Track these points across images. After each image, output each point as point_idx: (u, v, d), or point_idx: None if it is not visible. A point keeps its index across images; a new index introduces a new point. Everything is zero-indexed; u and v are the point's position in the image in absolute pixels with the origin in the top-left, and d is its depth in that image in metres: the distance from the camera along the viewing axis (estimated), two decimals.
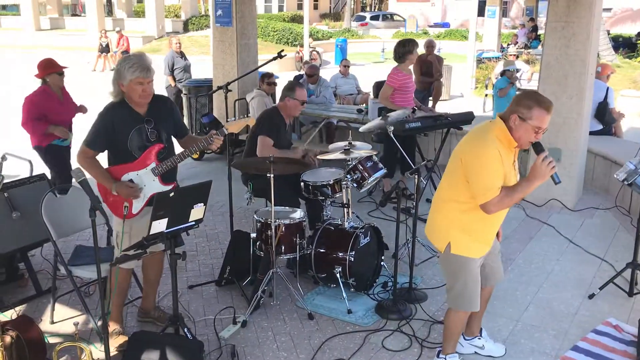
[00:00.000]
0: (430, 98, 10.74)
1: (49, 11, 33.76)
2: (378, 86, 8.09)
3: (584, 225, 5.94)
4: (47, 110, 5.39)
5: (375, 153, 4.72)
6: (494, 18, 20.29)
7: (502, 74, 10.14)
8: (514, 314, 4.20)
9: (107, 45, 20.83)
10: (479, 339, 3.72)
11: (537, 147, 3.00)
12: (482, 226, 3.18)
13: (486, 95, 12.88)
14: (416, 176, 4.27)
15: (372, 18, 38.26)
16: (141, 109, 3.53)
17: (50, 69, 5.52)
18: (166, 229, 3.16)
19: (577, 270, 4.92)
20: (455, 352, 3.52)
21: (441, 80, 11.13)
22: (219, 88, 4.46)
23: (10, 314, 4.08)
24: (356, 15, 39.79)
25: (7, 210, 4.28)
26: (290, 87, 4.88)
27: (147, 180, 3.53)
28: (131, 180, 3.51)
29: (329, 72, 11.24)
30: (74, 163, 3.63)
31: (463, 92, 15.29)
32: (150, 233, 3.09)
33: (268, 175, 4.06)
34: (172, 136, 3.72)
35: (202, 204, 3.31)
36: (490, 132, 3.04)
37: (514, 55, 13.08)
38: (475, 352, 3.71)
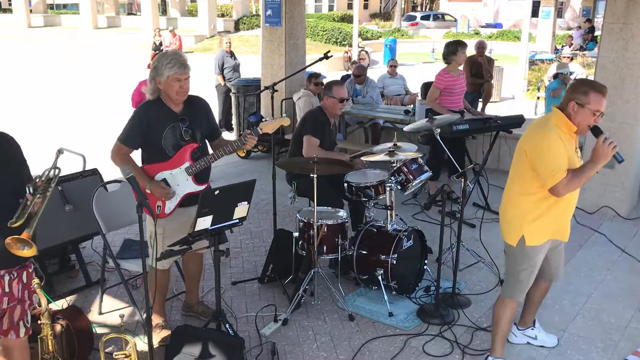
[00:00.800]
0: (480, 100, 10.55)
1: (106, 10, 34.81)
2: (426, 87, 8.01)
3: (638, 235, 5.72)
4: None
5: (420, 155, 4.67)
6: (548, 19, 19.76)
7: (555, 76, 9.87)
8: (560, 323, 4.09)
9: (161, 44, 21.32)
10: (532, 329, 3.78)
11: (596, 131, 3.10)
12: (554, 215, 3.26)
13: (538, 97, 12.56)
14: (462, 180, 4.20)
15: (422, 18, 37.89)
16: (176, 108, 3.53)
17: None
18: (211, 226, 3.21)
19: (629, 281, 4.74)
20: (504, 358, 3.53)
21: (492, 82, 10.92)
22: (266, 88, 4.50)
23: (61, 304, 4.22)
24: (406, 15, 39.48)
25: (61, 203, 4.44)
26: (328, 86, 4.89)
27: (181, 180, 3.53)
28: (165, 180, 3.51)
29: (377, 72, 11.19)
30: None
31: (514, 95, 14.96)
32: (195, 229, 3.14)
33: (311, 175, 4.07)
34: (205, 137, 3.71)
35: (246, 202, 3.35)
36: (550, 121, 3.17)
37: (569, 57, 12.72)
38: (528, 343, 3.74)
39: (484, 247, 5.00)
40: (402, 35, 31.40)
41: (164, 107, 3.51)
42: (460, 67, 6.39)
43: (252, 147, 5.62)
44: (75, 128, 10.62)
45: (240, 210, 3.34)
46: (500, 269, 4.78)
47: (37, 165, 2.95)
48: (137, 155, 3.62)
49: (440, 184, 4.67)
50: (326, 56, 4.59)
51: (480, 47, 10.30)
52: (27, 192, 2.62)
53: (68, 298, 4.38)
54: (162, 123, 3.48)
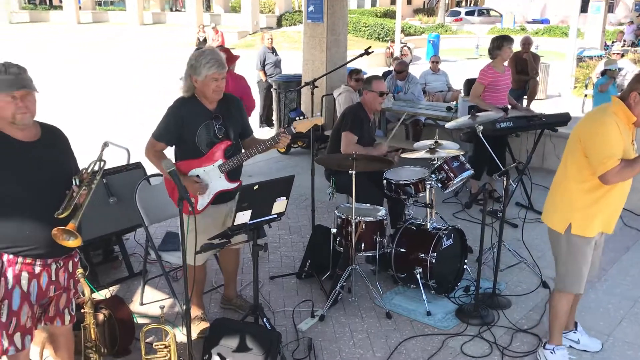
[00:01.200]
0: (525, 97, 10.32)
1: (152, 6, 35.50)
2: (469, 83, 7.89)
3: None
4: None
5: (462, 153, 4.60)
6: (598, 14, 19.16)
7: (603, 73, 9.57)
8: (605, 328, 3.97)
9: (205, 40, 21.62)
10: (575, 332, 3.70)
11: None
12: (604, 205, 3.22)
13: (585, 95, 12.19)
14: (505, 178, 4.11)
15: (467, 13, 37.28)
16: (210, 105, 3.54)
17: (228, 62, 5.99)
18: (249, 221, 3.24)
19: None
20: (563, 345, 3.53)
21: (537, 78, 10.67)
22: (306, 84, 4.51)
23: (104, 294, 4.33)
24: (451, 11, 38.92)
25: (105, 195, 4.55)
26: (367, 81, 4.87)
27: (214, 177, 3.55)
28: (198, 177, 3.53)
29: (419, 69, 11.07)
30: None
31: (561, 92, 14.57)
32: (234, 223, 3.18)
33: (350, 171, 4.06)
34: (238, 135, 3.71)
35: (285, 197, 3.36)
36: (608, 109, 3.14)
37: (619, 53, 12.28)
38: (570, 346, 3.66)
39: (526, 247, 4.89)
40: (446, 31, 30.98)
41: (199, 104, 3.52)
42: (506, 63, 6.26)
43: (291, 144, 5.68)
44: (120, 123, 10.87)
45: (279, 205, 3.35)
46: (543, 270, 4.68)
47: (84, 159, 3.02)
48: (169, 152, 3.66)
49: (482, 183, 4.59)
50: (367, 52, 4.57)
51: (526, 43, 10.07)
52: (74, 184, 2.69)
53: (111, 288, 4.48)
54: (197, 120, 3.50)
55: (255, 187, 3.18)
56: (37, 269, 2.68)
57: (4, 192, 2.52)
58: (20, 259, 2.62)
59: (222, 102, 3.58)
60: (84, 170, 2.75)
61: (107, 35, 29.10)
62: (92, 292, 4.08)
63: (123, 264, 4.76)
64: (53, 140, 2.73)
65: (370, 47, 4.75)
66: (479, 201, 5.63)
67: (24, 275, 2.64)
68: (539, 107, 11.02)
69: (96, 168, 2.76)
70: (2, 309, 2.61)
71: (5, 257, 2.60)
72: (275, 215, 3.38)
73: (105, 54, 23.37)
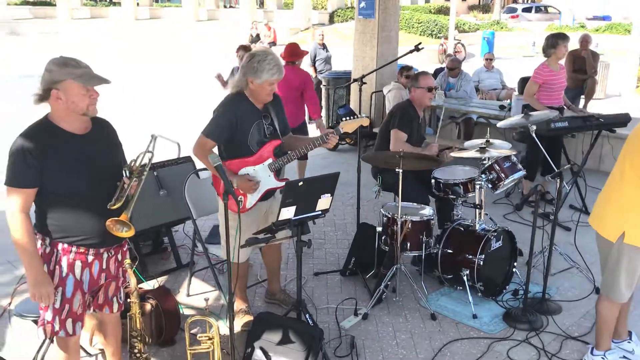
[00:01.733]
0: (583, 96, 9.97)
1: (207, 3, 36.08)
2: (523, 82, 7.68)
3: None
4: None
5: (514, 153, 4.47)
6: None
7: None
8: None
9: (257, 36, 21.84)
10: (629, 342, 3.54)
11: None
12: None
13: None
14: (558, 180, 3.98)
15: (524, 10, 36.31)
16: (259, 104, 3.56)
17: (294, 57, 6.26)
18: (294, 217, 3.24)
19: None
20: (613, 349, 3.41)
21: (595, 77, 10.29)
22: (354, 81, 4.47)
23: (152, 284, 4.43)
24: (507, 7, 38.00)
25: (156, 187, 4.65)
26: (414, 77, 4.78)
27: (263, 176, 3.57)
28: (248, 175, 3.55)
29: (473, 66, 10.85)
30: None
31: (622, 92, 14.01)
32: (279, 219, 3.19)
33: (397, 170, 4.01)
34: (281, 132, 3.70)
35: (330, 194, 3.34)
36: None
37: None
38: (624, 357, 3.49)
39: (578, 251, 4.73)
40: (502, 28, 30.26)
41: (249, 103, 3.53)
42: (562, 62, 6.06)
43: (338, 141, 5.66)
44: (172, 117, 11.10)
45: (324, 202, 3.34)
46: (596, 276, 4.50)
47: (135, 152, 3.09)
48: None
49: (535, 184, 4.46)
50: (417, 48, 4.49)
51: (584, 40, 9.72)
52: (124, 175, 2.75)
53: (159, 279, 4.58)
54: (249, 120, 3.51)
55: (300, 184, 3.18)
56: (90, 258, 2.76)
57: (59, 183, 2.60)
58: (74, 248, 2.70)
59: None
60: (133, 162, 2.80)
61: (163, 31, 29.75)
62: (140, 282, 4.20)
63: (172, 255, 4.86)
64: (103, 133, 2.80)
65: (420, 43, 4.67)
66: (531, 203, 5.49)
67: (78, 264, 2.72)
68: (597, 107, 10.64)
69: (145, 160, 2.81)
70: (56, 295, 2.69)
71: (60, 246, 2.69)
72: (320, 212, 3.37)
73: (160, 50, 23.92)
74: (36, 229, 2.69)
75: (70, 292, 2.72)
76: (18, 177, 2.53)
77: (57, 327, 2.72)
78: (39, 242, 2.70)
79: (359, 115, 3.59)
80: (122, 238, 2.83)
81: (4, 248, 5.12)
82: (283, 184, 3.57)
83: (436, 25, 25.94)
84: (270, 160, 3.56)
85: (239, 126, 3.49)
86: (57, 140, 2.59)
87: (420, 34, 25.18)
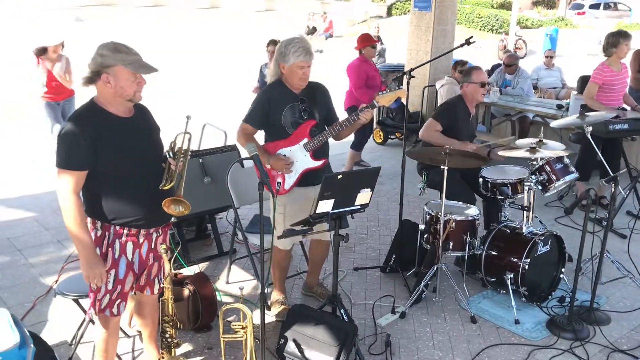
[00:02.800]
0: None
1: None
2: (583, 80, 7.34)
3: None
4: (368, 75, 6.51)
5: (567, 154, 4.28)
6: None
7: None
8: None
9: (314, 28, 21.84)
10: None
11: None
12: None
13: None
14: (613, 184, 3.78)
15: (591, 6, 34.83)
16: (296, 90, 3.60)
17: (366, 42, 6.61)
18: (332, 210, 3.20)
19: None
20: None
21: None
22: (403, 74, 4.36)
23: (194, 269, 4.48)
24: (573, 3, 36.57)
25: (201, 174, 4.70)
26: (466, 72, 4.65)
27: (299, 156, 3.60)
28: (284, 155, 3.60)
29: (534, 64, 10.48)
30: None
31: None
32: (316, 211, 3.15)
33: (442, 167, 3.90)
34: (324, 120, 3.70)
35: (369, 189, 3.28)
36: None
37: None
38: None
39: (632, 261, 4.50)
40: (566, 24, 29.20)
41: (285, 88, 3.59)
42: (628, 61, 5.76)
43: (389, 135, 5.57)
44: (222, 106, 11.23)
45: (363, 196, 3.28)
46: None
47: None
48: (260, 135, 3.72)
49: (589, 187, 4.25)
50: (468, 42, 4.34)
51: None
52: (168, 157, 2.83)
53: (201, 265, 4.63)
54: (282, 102, 3.58)
55: (339, 177, 3.14)
56: (141, 239, 2.83)
57: (109, 165, 2.66)
58: (125, 230, 2.76)
59: (307, 88, 3.63)
60: (173, 144, 2.87)
61: (221, 19, 30.14)
62: (181, 267, 4.26)
63: (214, 242, 4.91)
64: (144, 116, 2.88)
65: (472, 37, 4.50)
66: (582, 207, 5.26)
67: (129, 245, 2.79)
68: None
69: (185, 141, 2.87)
70: (109, 277, 2.76)
71: (112, 229, 2.75)
72: (359, 207, 3.32)
73: (217, 39, 24.23)
74: (87, 213, 2.74)
75: (123, 273, 2.79)
76: (69, 160, 2.58)
77: (103, 305, 2.80)
78: (90, 226, 2.76)
79: (396, 88, 3.53)
80: (168, 218, 2.92)
81: (54, 227, 5.34)
82: (320, 163, 3.58)
83: (497, 20, 25.27)
84: (305, 140, 3.57)
85: (271, 109, 3.57)
86: (105, 122, 2.65)
87: (480, 29, 24.60)
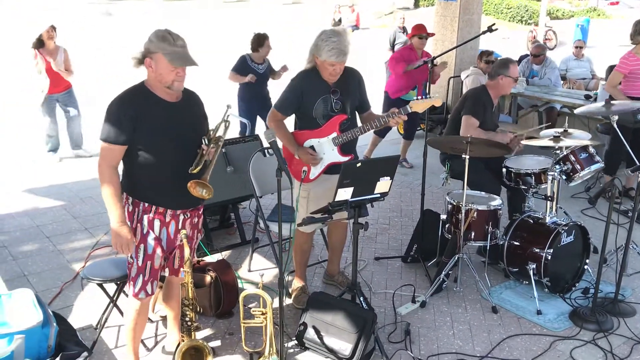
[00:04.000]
0: None
1: None
2: (611, 70, 7.19)
3: None
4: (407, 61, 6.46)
5: (592, 144, 4.21)
6: None
7: None
8: None
9: (340, 20, 21.78)
10: None
11: None
12: None
13: None
14: (639, 174, 3.71)
15: None
16: (329, 80, 3.57)
17: (414, 32, 6.52)
18: (351, 198, 3.21)
19: None
20: None
21: None
22: (425, 62, 4.34)
23: (216, 257, 4.54)
24: None
25: (224, 164, 4.75)
26: (504, 64, 4.54)
27: (327, 149, 3.60)
28: (312, 147, 3.61)
29: (564, 55, 10.29)
30: None
31: None
32: (335, 200, 3.16)
33: (463, 156, 3.88)
34: (355, 109, 3.71)
35: (389, 177, 3.28)
36: None
37: None
38: None
39: None
40: (598, 15, 28.53)
41: (319, 77, 3.57)
42: None
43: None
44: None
45: (383, 185, 3.28)
46: None
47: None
48: (290, 121, 3.74)
49: (613, 177, 4.19)
50: (490, 29, 4.28)
51: None
52: (203, 143, 2.90)
53: (223, 253, 4.69)
54: (315, 94, 3.56)
55: (358, 165, 3.14)
56: (168, 218, 2.91)
57: (148, 145, 2.76)
58: (153, 208, 2.85)
59: (342, 76, 3.59)
60: (212, 132, 2.94)
61: (248, 14, 30.26)
62: (204, 255, 4.33)
63: (237, 231, 4.96)
64: (191, 103, 2.95)
65: (494, 24, 4.44)
66: (608, 197, 5.17)
67: (156, 222, 2.88)
68: None
69: (222, 129, 2.94)
70: (139, 252, 2.86)
71: (141, 205, 2.85)
72: (378, 195, 3.32)
73: (243, 33, 24.32)
74: (122, 187, 2.86)
75: (152, 248, 2.87)
76: (111, 134, 2.70)
77: (137, 288, 2.90)
78: (124, 200, 2.88)
79: (432, 96, 3.50)
80: (198, 202, 3.00)
81: (81, 216, 5.46)
82: (348, 158, 3.58)
83: (527, 11, 24.83)
84: (334, 134, 3.57)
85: (304, 99, 3.57)
86: (150, 104, 2.75)
87: (509, 20, 24.22)
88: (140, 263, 2.88)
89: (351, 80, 3.66)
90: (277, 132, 3.56)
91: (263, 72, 6.62)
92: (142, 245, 2.87)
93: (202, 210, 3.15)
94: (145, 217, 2.85)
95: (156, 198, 2.85)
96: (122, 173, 2.89)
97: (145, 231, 2.86)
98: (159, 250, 2.90)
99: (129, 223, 2.84)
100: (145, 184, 2.83)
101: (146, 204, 2.85)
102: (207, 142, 2.89)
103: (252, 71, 6.50)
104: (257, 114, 6.63)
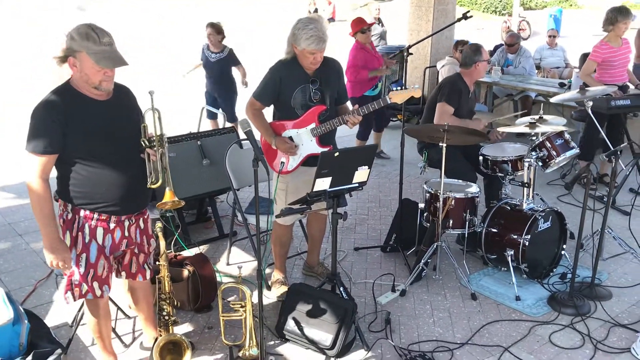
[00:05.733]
0: None
1: None
2: (584, 58, 7.26)
3: None
4: (365, 63, 6.29)
5: (567, 130, 4.24)
6: None
7: None
8: None
9: (316, 11, 21.69)
10: None
11: None
12: None
13: None
14: (614, 159, 3.75)
15: None
16: (309, 70, 3.53)
17: (355, 28, 6.35)
18: (329, 188, 3.18)
19: None
20: None
21: None
22: (400, 51, 4.32)
23: (194, 251, 4.48)
24: None
25: (199, 157, 4.68)
26: (477, 50, 4.53)
27: (305, 140, 3.55)
28: (290, 138, 3.57)
29: (537, 45, 10.39)
30: None
31: None
32: (314, 190, 3.13)
33: (441, 144, 3.88)
34: (334, 100, 3.67)
35: (367, 166, 3.26)
36: None
37: None
38: None
39: (634, 237, 4.48)
40: (571, 5, 28.87)
41: (298, 67, 3.52)
42: (632, 37, 5.68)
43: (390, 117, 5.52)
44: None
45: (361, 174, 3.26)
46: None
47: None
48: (268, 111, 3.69)
49: (588, 163, 4.22)
50: (465, 16, 4.28)
51: None
52: (144, 145, 2.70)
53: (201, 247, 4.63)
54: (294, 83, 3.52)
55: (336, 154, 3.11)
56: (112, 225, 2.76)
57: (82, 149, 2.58)
58: (95, 215, 2.70)
59: (321, 67, 3.56)
60: (145, 128, 2.74)
61: (223, 5, 29.96)
62: (182, 249, 4.27)
63: (214, 224, 4.90)
64: (124, 99, 2.78)
65: (469, 11, 4.45)
66: (584, 183, 5.23)
67: (100, 230, 2.73)
68: None
69: (156, 122, 2.73)
70: (80, 261, 2.72)
71: (82, 212, 2.69)
72: (357, 185, 3.30)
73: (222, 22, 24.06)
74: (58, 195, 2.70)
75: (95, 257, 2.74)
76: (38, 144, 2.50)
77: (84, 290, 2.76)
78: (61, 208, 2.72)
79: (411, 87, 3.49)
80: (143, 206, 2.86)
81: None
82: (326, 150, 3.54)
83: (500, 1, 25.01)
84: (313, 125, 3.53)
85: (282, 88, 3.52)
86: (79, 104, 2.56)
87: (483, 11, 24.36)
88: (82, 271, 2.73)
89: (331, 71, 3.63)
90: (254, 122, 3.52)
91: (215, 60, 6.69)
92: (84, 255, 2.71)
93: (146, 214, 2.98)
94: (87, 225, 2.70)
95: (97, 205, 2.67)
96: (57, 181, 2.70)
97: (87, 240, 2.71)
98: (102, 260, 2.76)
99: (68, 234, 2.69)
100: (85, 190, 2.64)
101: (87, 211, 2.68)
102: (148, 144, 2.69)
103: (204, 59, 6.72)
104: (226, 101, 6.66)
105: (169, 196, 2.68)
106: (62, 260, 2.63)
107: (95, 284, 2.78)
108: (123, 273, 2.96)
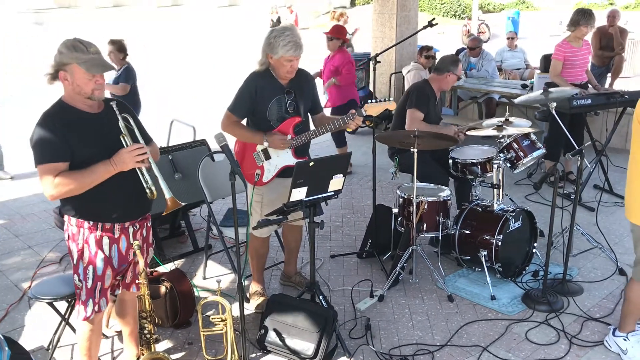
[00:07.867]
0: (610, 75, 9.68)
1: None
2: (546, 59, 7.48)
3: None
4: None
5: (533, 131, 4.35)
6: None
7: None
8: None
9: (279, 20, 21.74)
10: (625, 339, 3.34)
11: None
12: None
13: None
14: (579, 158, 3.86)
15: None
16: (283, 80, 3.54)
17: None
18: (305, 198, 3.20)
19: None
20: (637, 330, 3.30)
21: (623, 55, 9.96)
22: (368, 60, 4.38)
23: (169, 267, 4.44)
24: None
25: (171, 171, 4.65)
26: (455, 62, 4.64)
27: (281, 152, 3.55)
28: (266, 150, 3.56)
29: (498, 47, 10.63)
30: None
31: None
32: (290, 200, 3.15)
33: (412, 150, 3.94)
34: (308, 111, 3.70)
35: (342, 175, 3.29)
36: None
37: None
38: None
39: (601, 232, 4.61)
40: (527, 7, 29.60)
41: (272, 78, 3.53)
42: (589, 37, 5.86)
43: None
44: (188, 102, 11.14)
45: (336, 182, 3.29)
46: (620, 256, 4.40)
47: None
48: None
49: (555, 163, 4.34)
50: (430, 24, 4.38)
51: (612, 16, 9.42)
52: (126, 144, 2.73)
53: (176, 262, 4.59)
54: (269, 94, 3.51)
55: (311, 164, 3.14)
56: (117, 234, 2.80)
57: (80, 161, 2.62)
58: (99, 225, 2.74)
59: (295, 78, 3.57)
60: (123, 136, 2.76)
61: (183, 17, 29.82)
62: (157, 265, 4.23)
63: (189, 238, 4.87)
64: (113, 110, 2.80)
65: (434, 18, 4.55)
66: (551, 182, 5.37)
67: (105, 240, 2.76)
68: (624, 85, 10.33)
69: (127, 132, 2.76)
70: (87, 274, 2.75)
71: (85, 224, 2.72)
72: (332, 193, 3.32)
73: (181, 37, 23.96)
74: (62, 210, 2.74)
75: (101, 269, 2.76)
76: (49, 153, 2.56)
77: (89, 311, 2.78)
78: (65, 224, 2.76)
79: (386, 99, 3.53)
80: (145, 211, 2.91)
81: (23, 234, 5.24)
82: (301, 161, 3.55)
83: (459, 5, 25.52)
84: (289, 137, 3.53)
85: (258, 100, 3.51)
86: (74, 118, 2.63)
87: (443, 15, 24.80)
88: (89, 285, 2.76)
89: (304, 82, 3.64)
90: (234, 132, 3.52)
91: (113, 81, 6.08)
92: (90, 267, 2.75)
93: (150, 222, 3.04)
94: (92, 236, 2.73)
95: (101, 214, 2.73)
96: None
97: (93, 252, 2.74)
98: (109, 271, 2.79)
99: (75, 246, 2.73)
100: (86, 201, 2.68)
101: (91, 223, 2.73)
102: (131, 142, 2.72)
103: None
104: None
105: (172, 205, 2.73)
106: (129, 153, 2.62)
107: (103, 300, 2.82)
108: (120, 289, 2.98)
